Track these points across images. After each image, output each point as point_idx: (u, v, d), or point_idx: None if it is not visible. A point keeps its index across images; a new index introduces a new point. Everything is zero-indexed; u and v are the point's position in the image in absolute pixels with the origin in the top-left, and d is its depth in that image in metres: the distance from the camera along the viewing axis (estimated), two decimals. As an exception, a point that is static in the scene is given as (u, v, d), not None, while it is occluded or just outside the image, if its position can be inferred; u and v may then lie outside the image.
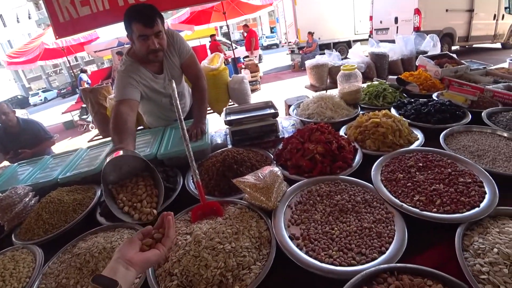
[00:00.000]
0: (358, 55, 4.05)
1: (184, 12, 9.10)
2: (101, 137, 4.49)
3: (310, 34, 11.05)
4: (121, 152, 1.15)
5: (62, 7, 2.50)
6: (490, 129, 1.43)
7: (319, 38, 11.73)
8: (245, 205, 1.12)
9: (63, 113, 9.87)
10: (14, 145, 3.01)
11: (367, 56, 4.03)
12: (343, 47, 12.60)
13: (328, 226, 0.97)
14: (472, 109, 1.66)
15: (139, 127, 2.62)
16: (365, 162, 1.30)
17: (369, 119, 1.50)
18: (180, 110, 1.15)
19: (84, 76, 9.86)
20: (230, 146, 1.67)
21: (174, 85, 1.17)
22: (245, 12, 9.59)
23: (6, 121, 2.99)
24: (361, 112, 1.83)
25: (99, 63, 32.41)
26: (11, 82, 33.26)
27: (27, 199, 1.41)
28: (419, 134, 1.47)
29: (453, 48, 9.77)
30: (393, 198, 1.04)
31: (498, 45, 10.63)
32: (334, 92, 2.11)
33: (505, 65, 2.66)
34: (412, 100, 1.81)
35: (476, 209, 0.93)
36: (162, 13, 1.67)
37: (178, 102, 1.14)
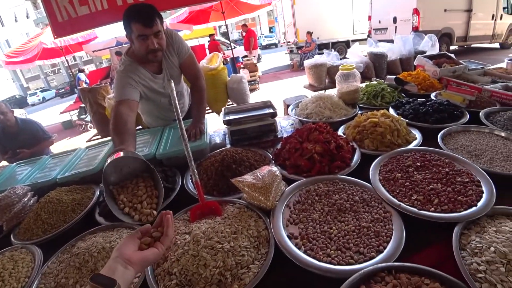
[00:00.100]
0: (357, 55, 4.06)
1: (183, 12, 9.09)
2: (99, 137, 4.47)
3: (309, 33, 11.06)
4: (121, 153, 1.15)
5: (60, 7, 2.49)
6: (487, 129, 1.43)
7: (318, 38, 11.75)
8: (244, 204, 1.12)
9: (61, 113, 9.85)
10: (12, 145, 3.00)
11: (365, 56, 4.04)
12: (342, 47, 12.63)
13: (327, 225, 0.97)
14: (470, 109, 1.67)
15: (138, 127, 2.62)
16: (363, 161, 1.30)
17: (367, 119, 1.50)
18: (179, 110, 1.15)
19: (82, 76, 9.83)
20: (228, 146, 1.67)
21: (172, 85, 1.18)
22: (244, 11, 9.57)
23: (4, 121, 2.98)
24: (359, 112, 1.84)
25: (97, 62, 32.32)
26: (9, 81, 33.15)
27: (26, 199, 1.41)
28: (417, 134, 1.47)
29: (452, 48, 9.80)
30: (391, 197, 1.04)
31: (497, 45, 10.68)
32: (332, 92, 2.12)
33: (503, 65, 2.67)
34: (410, 100, 1.81)
35: (474, 208, 0.93)
36: (161, 13, 1.67)
37: (177, 102, 1.14)
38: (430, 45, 3.67)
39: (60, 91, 26.93)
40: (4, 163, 2.98)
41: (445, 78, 2.19)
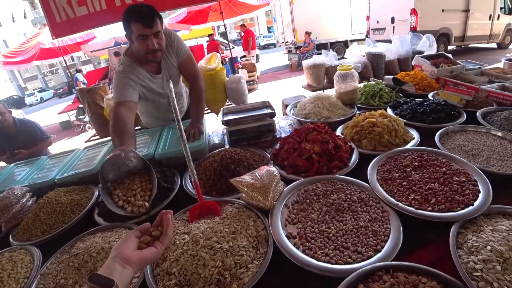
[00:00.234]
0: (355, 55, 4.07)
1: (181, 12, 9.06)
2: (98, 137, 4.47)
3: (307, 33, 11.07)
4: (118, 152, 1.21)
5: (58, 7, 2.49)
6: (484, 129, 1.44)
7: (316, 38, 11.75)
8: (243, 204, 1.12)
9: (59, 113, 9.80)
10: (10, 145, 2.99)
11: (363, 56, 4.06)
12: (340, 47, 12.65)
13: (325, 225, 0.98)
14: (467, 109, 1.68)
15: (136, 127, 2.62)
16: (361, 161, 1.31)
17: (365, 119, 1.51)
18: (178, 110, 1.16)
19: (80, 76, 9.80)
20: (227, 146, 1.67)
21: (171, 85, 1.18)
22: (242, 11, 9.58)
23: (2, 121, 2.97)
24: (357, 112, 1.85)
25: (95, 62, 32.20)
26: (6, 82, 32.99)
27: (25, 199, 1.41)
28: (414, 134, 1.48)
29: (449, 48, 9.84)
30: (388, 197, 1.05)
31: (494, 45, 10.72)
32: (331, 92, 2.13)
33: (500, 65, 2.68)
34: (408, 100, 1.82)
35: (470, 207, 0.94)
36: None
37: (175, 102, 1.15)
38: (428, 45, 3.68)
39: (58, 92, 26.78)
40: (2, 163, 2.97)
41: (442, 78, 2.21)
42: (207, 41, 11.30)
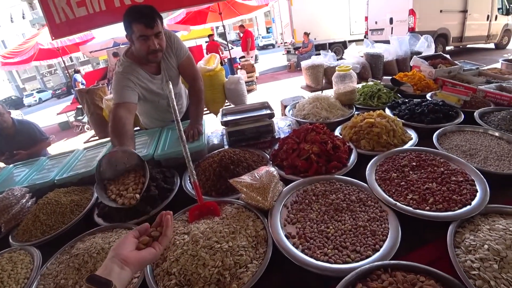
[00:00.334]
0: (354, 56, 4.08)
1: (180, 13, 9.05)
2: (97, 138, 4.46)
3: (306, 34, 11.08)
4: (114, 150, 1.27)
5: (58, 8, 2.49)
6: (482, 129, 1.46)
7: (315, 39, 11.77)
8: (242, 205, 1.13)
9: (58, 114, 9.78)
10: (9, 146, 2.98)
11: (362, 56, 4.06)
12: (339, 47, 12.67)
13: (324, 224, 0.98)
14: (465, 109, 1.69)
15: (136, 128, 2.62)
16: (359, 161, 1.32)
17: (363, 119, 1.52)
18: (177, 111, 1.17)
19: (78, 77, 9.79)
20: (226, 147, 1.68)
21: (171, 86, 1.19)
22: (241, 12, 9.58)
23: (1, 122, 2.96)
24: (356, 113, 1.86)
25: (94, 63, 32.15)
26: (5, 82, 32.87)
27: (24, 200, 1.41)
28: (412, 134, 1.49)
29: (447, 48, 9.87)
30: (387, 197, 1.06)
31: (492, 46, 10.76)
32: (329, 93, 2.13)
33: (498, 65, 2.70)
34: (406, 100, 1.83)
35: (468, 207, 0.95)
36: (159, 14, 1.68)
37: (175, 103, 1.16)
38: (426, 45, 3.69)
39: (56, 92, 26.70)
40: (1, 164, 2.96)
41: (440, 79, 2.22)
42: (206, 42, 11.29)
